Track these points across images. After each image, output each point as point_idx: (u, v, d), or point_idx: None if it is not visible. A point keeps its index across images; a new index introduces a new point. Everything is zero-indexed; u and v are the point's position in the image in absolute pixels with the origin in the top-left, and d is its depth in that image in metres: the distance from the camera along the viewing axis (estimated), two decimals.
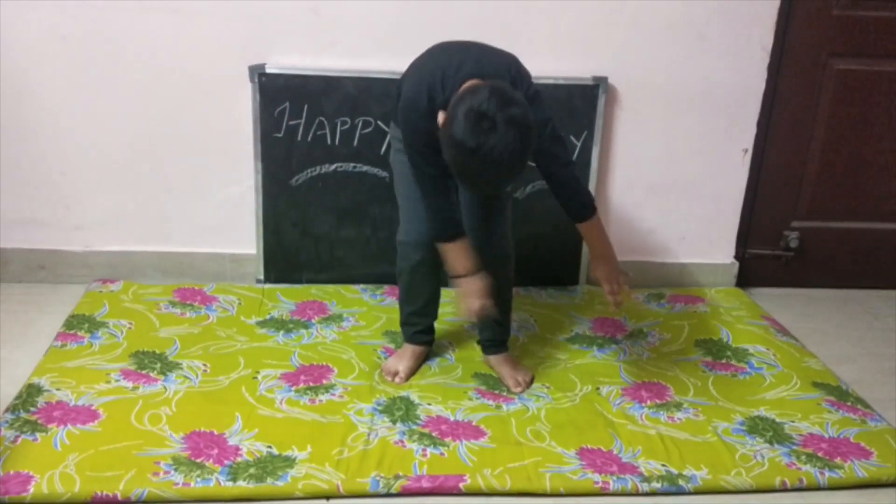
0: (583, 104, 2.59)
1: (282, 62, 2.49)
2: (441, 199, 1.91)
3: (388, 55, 2.48)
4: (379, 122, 2.54)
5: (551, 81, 2.54)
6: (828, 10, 2.64)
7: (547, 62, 2.55)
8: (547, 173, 1.96)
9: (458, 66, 1.82)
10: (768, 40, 2.62)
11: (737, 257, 2.90)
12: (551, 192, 1.99)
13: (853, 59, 2.70)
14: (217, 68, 2.48)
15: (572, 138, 2.62)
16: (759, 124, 2.72)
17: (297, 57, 2.49)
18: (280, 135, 2.53)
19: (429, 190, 1.91)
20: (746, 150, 2.75)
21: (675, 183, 2.76)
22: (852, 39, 2.67)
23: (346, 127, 2.54)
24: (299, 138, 2.54)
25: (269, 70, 2.47)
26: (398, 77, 2.42)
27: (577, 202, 1.99)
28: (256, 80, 2.47)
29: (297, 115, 2.52)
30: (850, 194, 2.86)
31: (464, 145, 1.64)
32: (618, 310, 2.08)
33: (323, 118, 2.53)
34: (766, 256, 2.94)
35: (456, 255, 1.93)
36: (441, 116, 1.75)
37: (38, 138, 2.52)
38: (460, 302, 1.95)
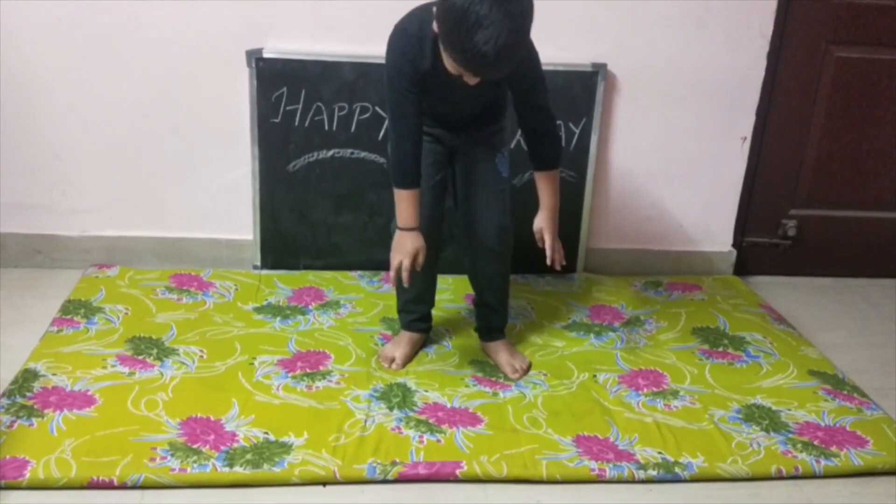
0: (582, 91, 2.58)
1: (279, 47, 2.47)
2: (409, 144, 1.88)
3: (386, 41, 2.47)
4: (377, 108, 2.53)
5: (550, 68, 2.51)
6: None
7: (546, 49, 2.51)
8: (530, 123, 1.94)
9: None
10: (768, 28, 2.61)
11: (735, 245, 2.89)
12: (525, 139, 1.98)
13: (853, 47, 2.69)
14: (214, 52, 2.47)
15: (571, 125, 2.61)
16: (758, 112, 2.71)
17: (294, 41, 2.48)
18: (277, 120, 2.52)
19: (401, 131, 1.88)
20: (745, 138, 2.74)
21: (674, 171, 2.75)
22: (852, 27, 2.66)
23: (344, 113, 2.53)
24: (297, 124, 2.53)
25: (266, 55, 2.46)
26: None
27: (549, 153, 1.99)
28: (254, 64, 2.45)
29: (295, 101, 2.51)
30: (849, 183, 2.86)
31: (462, 3, 1.57)
32: (555, 265, 2.04)
33: (320, 103, 2.52)
34: (763, 245, 2.93)
35: (404, 204, 1.92)
36: (434, 10, 1.69)
37: (33, 122, 2.51)
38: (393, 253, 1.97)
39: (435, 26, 1.71)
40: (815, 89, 2.73)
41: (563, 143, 2.61)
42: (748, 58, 2.64)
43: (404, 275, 1.94)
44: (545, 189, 2.02)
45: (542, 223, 2.02)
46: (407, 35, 1.82)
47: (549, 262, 2.02)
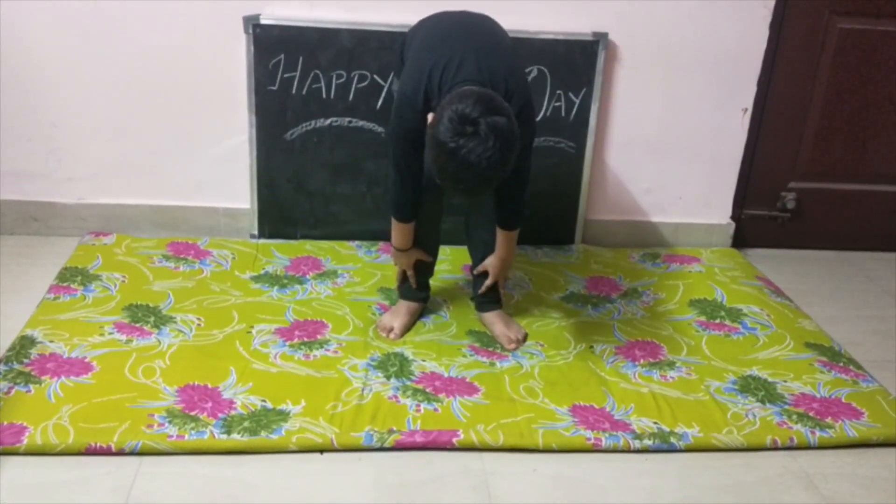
0: (582, 61, 2.56)
1: (277, 13, 2.45)
2: (409, 182, 1.99)
3: (384, 7, 2.45)
4: (375, 76, 2.50)
5: (551, 37, 2.51)
6: None
7: (547, 17, 2.51)
8: (502, 184, 1.95)
9: (457, 66, 1.83)
10: None
11: (733, 218, 2.89)
12: (494, 197, 2.03)
13: (855, 18, 2.66)
14: (211, 18, 2.44)
15: (571, 95, 2.59)
16: (760, 83, 2.69)
17: (292, 8, 2.45)
18: (275, 88, 2.50)
19: (403, 177, 1.98)
20: (746, 110, 2.73)
21: (674, 142, 2.74)
22: None
23: (342, 80, 2.51)
24: (294, 91, 2.51)
25: (263, 21, 2.43)
26: (395, 30, 2.41)
27: (512, 215, 2.07)
28: (251, 31, 2.43)
29: (292, 68, 2.48)
30: (849, 156, 2.85)
31: (445, 146, 1.66)
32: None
33: (318, 71, 2.49)
34: (762, 217, 2.93)
35: (402, 232, 2.10)
36: (430, 118, 1.76)
37: (29, 89, 2.49)
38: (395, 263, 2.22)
39: (429, 119, 1.76)
40: (817, 60, 2.71)
41: (564, 114, 2.60)
42: (750, 28, 2.61)
43: (411, 274, 2.20)
44: (501, 242, 2.14)
45: (490, 268, 2.17)
46: (413, 109, 1.88)
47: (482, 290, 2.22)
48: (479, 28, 1.99)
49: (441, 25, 2.00)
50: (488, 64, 1.85)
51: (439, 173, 1.73)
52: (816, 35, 2.68)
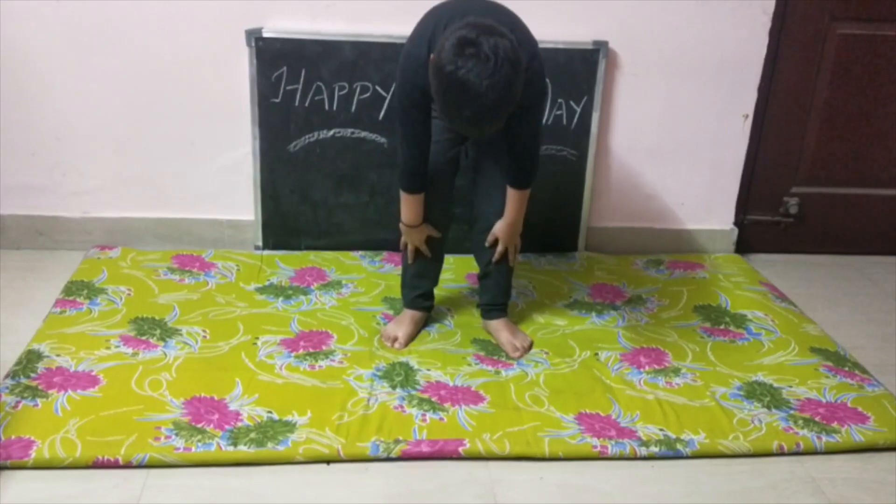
0: (583, 69, 2.57)
1: (279, 26, 2.46)
2: (417, 152, 1.96)
3: (386, 19, 2.46)
4: (377, 88, 2.51)
5: (551, 46, 2.52)
6: None
7: (547, 26, 2.51)
8: (515, 139, 1.95)
9: (460, 18, 1.79)
10: (770, 4, 2.59)
11: (736, 223, 2.89)
12: (507, 154, 2.00)
13: (855, 24, 2.67)
14: (214, 32, 2.45)
15: (572, 103, 2.60)
16: (761, 89, 2.70)
17: (294, 21, 2.46)
18: (277, 100, 2.51)
19: (411, 144, 1.95)
20: (747, 116, 2.73)
21: (675, 148, 2.74)
22: (854, 4, 2.64)
23: (344, 92, 2.52)
24: (297, 103, 2.52)
25: (265, 34, 2.44)
26: (396, 41, 2.42)
27: (524, 172, 2.03)
28: (253, 44, 2.44)
29: (295, 80, 2.50)
30: (851, 160, 2.85)
31: (444, 69, 1.62)
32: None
33: (321, 83, 2.51)
34: (765, 222, 2.93)
35: (412, 205, 2.06)
36: (432, 56, 1.72)
37: (34, 104, 2.50)
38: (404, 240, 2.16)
39: (431, 57, 1.73)
40: (817, 66, 2.72)
41: (565, 122, 2.61)
42: (750, 35, 2.62)
43: (423, 248, 2.14)
44: (511, 203, 2.08)
45: (500, 232, 2.12)
46: (416, 61, 1.84)
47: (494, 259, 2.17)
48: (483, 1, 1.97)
49: (444, 2, 1.97)
50: (493, 18, 1.79)
51: (442, 104, 1.67)
52: (816, 41, 2.68)
